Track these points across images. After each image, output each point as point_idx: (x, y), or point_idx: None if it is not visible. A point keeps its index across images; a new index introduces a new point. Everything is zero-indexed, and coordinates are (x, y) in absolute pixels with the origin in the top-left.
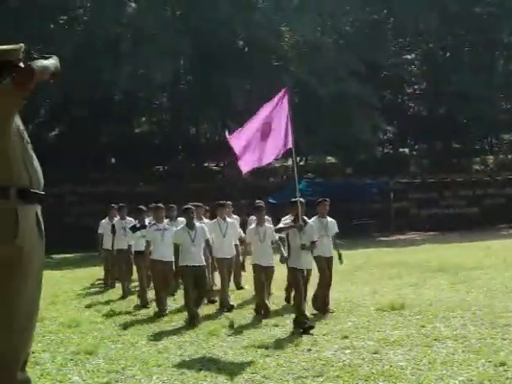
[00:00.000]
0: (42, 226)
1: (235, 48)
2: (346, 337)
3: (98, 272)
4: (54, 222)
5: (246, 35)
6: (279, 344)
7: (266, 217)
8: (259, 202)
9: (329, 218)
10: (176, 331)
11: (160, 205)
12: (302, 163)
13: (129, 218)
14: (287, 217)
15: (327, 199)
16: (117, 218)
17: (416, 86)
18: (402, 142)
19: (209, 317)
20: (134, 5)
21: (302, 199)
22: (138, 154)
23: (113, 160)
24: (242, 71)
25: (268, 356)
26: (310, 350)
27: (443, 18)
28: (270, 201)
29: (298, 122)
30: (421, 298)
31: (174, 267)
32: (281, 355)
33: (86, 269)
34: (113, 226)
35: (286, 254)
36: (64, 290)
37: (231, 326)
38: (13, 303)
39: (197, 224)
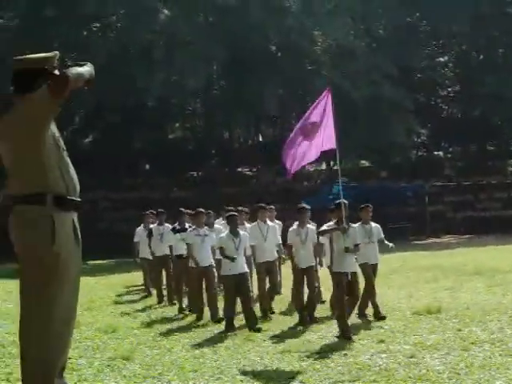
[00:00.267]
0: (79, 233)
1: (268, 52)
2: (382, 341)
3: (132, 278)
4: (88, 227)
5: (279, 40)
6: (315, 349)
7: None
8: (302, 204)
9: (372, 224)
10: (212, 337)
11: (201, 210)
12: (336, 167)
13: (167, 225)
14: (331, 223)
15: (370, 205)
16: (154, 224)
17: (449, 89)
18: (436, 144)
19: (240, 319)
20: (166, 11)
21: (345, 201)
22: (172, 160)
23: (146, 166)
24: (274, 76)
25: (304, 361)
26: (346, 354)
27: (476, 19)
28: (304, 205)
29: None
30: (457, 302)
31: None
32: (317, 360)
33: (120, 275)
34: (150, 230)
35: (324, 259)
36: (99, 296)
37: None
38: (50, 310)
39: (240, 232)
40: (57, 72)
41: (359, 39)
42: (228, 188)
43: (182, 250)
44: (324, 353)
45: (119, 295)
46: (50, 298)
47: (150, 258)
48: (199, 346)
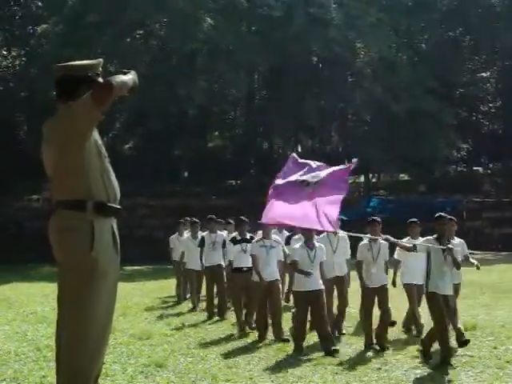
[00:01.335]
0: (118, 240)
1: (309, 63)
2: (416, 357)
3: (169, 285)
4: (127, 234)
5: (321, 51)
6: (349, 362)
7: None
8: (374, 217)
9: (456, 240)
10: (246, 346)
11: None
12: (374, 180)
13: (220, 232)
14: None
15: (454, 218)
16: (204, 232)
17: (491, 104)
18: (476, 160)
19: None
20: (209, 20)
21: (445, 215)
22: (211, 168)
23: (185, 174)
24: (315, 87)
25: (337, 373)
26: (379, 368)
27: None
28: (341, 217)
29: (372, 139)
30: (493, 319)
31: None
32: (350, 373)
33: (157, 281)
34: (202, 238)
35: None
36: (135, 302)
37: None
38: (86, 315)
39: (316, 243)
40: (100, 79)
41: (401, 52)
42: (266, 197)
43: (241, 262)
44: (358, 366)
45: (155, 301)
46: (87, 303)
47: (199, 268)
48: (233, 355)
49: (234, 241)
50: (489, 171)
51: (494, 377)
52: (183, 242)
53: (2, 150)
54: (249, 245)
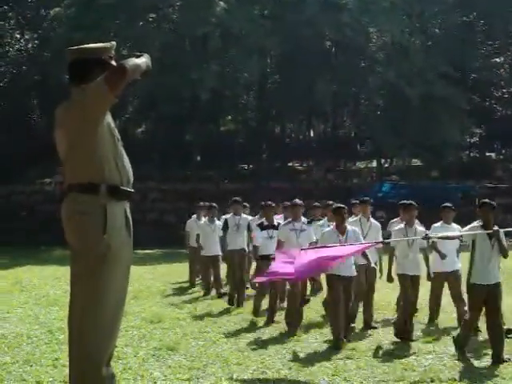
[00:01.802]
0: (131, 224)
1: (322, 48)
2: (428, 342)
3: (180, 269)
4: (138, 217)
5: (334, 35)
6: (360, 347)
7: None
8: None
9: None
10: (257, 331)
11: (298, 201)
12: (386, 165)
13: (244, 215)
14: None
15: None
16: (229, 215)
17: (504, 90)
18: (489, 145)
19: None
20: (222, 4)
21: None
22: (223, 153)
23: (198, 158)
24: (328, 71)
25: (349, 358)
26: (391, 354)
27: None
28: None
29: (384, 124)
30: (504, 305)
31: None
32: (362, 358)
33: (168, 265)
34: (225, 221)
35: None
36: (147, 286)
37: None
38: (101, 299)
39: (348, 227)
40: (114, 63)
41: (415, 37)
42: (278, 182)
43: (268, 249)
44: (369, 351)
45: (168, 285)
46: (100, 287)
47: (216, 253)
48: (244, 339)
49: (262, 226)
50: (501, 157)
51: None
52: (201, 227)
53: (15, 135)
54: (275, 231)
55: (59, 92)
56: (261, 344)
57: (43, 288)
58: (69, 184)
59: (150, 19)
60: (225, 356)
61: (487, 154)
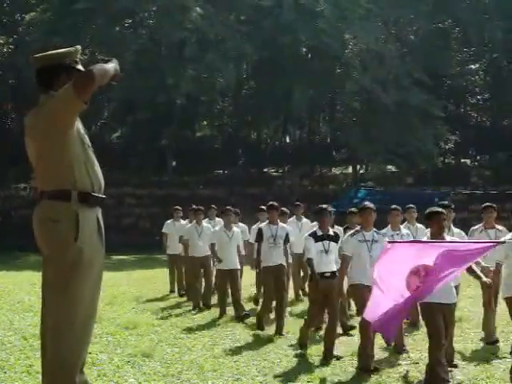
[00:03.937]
0: (103, 230)
1: (298, 54)
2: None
3: (155, 274)
4: (113, 223)
5: (310, 42)
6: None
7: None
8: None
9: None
10: (232, 337)
11: (369, 204)
12: (361, 171)
13: (281, 224)
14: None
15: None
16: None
17: (479, 96)
18: (464, 152)
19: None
20: (199, 9)
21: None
22: (199, 158)
23: (173, 163)
24: (304, 77)
25: (324, 365)
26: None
27: (509, 28)
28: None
29: (360, 130)
30: (478, 310)
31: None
32: (337, 364)
33: (144, 270)
34: (260, 231)
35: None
36: (121, 292)
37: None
38: (71, 306)
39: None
40: (80, 67)
41: (390, 44)
42: (253, 188)
43: (322, 266)
44: (346, 357)
45: (143, 291)
46: (72, 293)
47: (203, 255)
48: (219, 345)
49: (316, 237)
50: (476, 163)
51: (480, 371)
52: (186, 230)
53: None
54: (332, 243)
55: (34, 96)
56: (236, 351)
57: (18, 294)
58: (41, 191)
59: (127, 24)
60: (200, 363)
61: (462, 160)
